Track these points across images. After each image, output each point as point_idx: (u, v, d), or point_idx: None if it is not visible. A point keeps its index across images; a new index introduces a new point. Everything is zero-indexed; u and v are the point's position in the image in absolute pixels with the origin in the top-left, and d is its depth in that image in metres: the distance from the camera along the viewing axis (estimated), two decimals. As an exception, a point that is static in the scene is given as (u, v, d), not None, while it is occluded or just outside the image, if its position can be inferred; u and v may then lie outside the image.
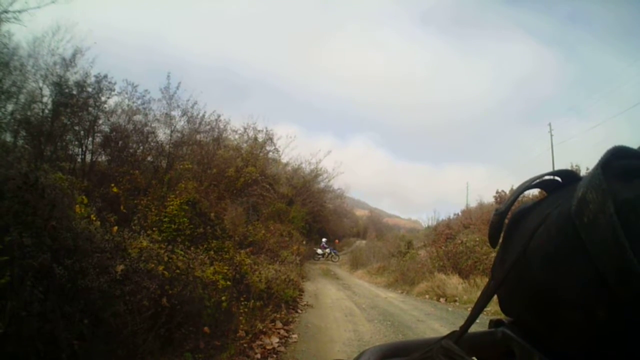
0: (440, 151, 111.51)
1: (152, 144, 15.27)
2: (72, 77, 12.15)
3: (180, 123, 17.01)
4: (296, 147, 32.45)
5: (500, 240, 0.57)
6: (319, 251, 30.48)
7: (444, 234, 29.25)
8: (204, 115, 18.30)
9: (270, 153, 28.10)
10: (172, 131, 16.83)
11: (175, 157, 16.39)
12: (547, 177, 0.54)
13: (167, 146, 16.28)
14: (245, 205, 19.08)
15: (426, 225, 43.12)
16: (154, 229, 11.81)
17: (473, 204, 35.80)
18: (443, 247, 15.90)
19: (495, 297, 0.53)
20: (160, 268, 5.58)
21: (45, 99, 11.84)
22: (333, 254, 30.77)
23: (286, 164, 31.56)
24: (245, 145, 25.49)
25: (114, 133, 13.35)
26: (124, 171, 13.19)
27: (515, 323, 0.58)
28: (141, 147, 14.85)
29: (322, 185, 37.14)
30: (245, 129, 25.92)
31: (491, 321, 0.61)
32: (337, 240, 42.27)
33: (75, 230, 4.87)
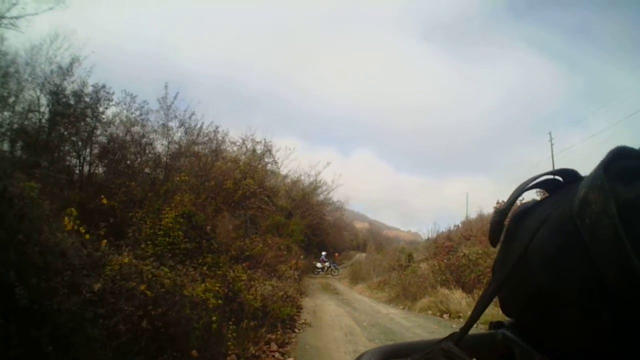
0: (442, 163, 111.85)
1: (149, 155, 15.04)
2: (70, 86, 11.93)
3: (178, 134, 16.87)
4: (295, 158, 31.98)
5: (501, 241, 0.56)
6: (319, 265, 29.89)
7: (444, 246, 30.17)
8: (201, 127, 18.11)
9: (269, 165, 27.39)
10: (169, 142, 16.62)
11: (172, 168, 16.00)
12: (548, 177, 0.53)
13: (165, 158, 16.00)
14: (243, 218, 18.47)
15: (426, 238, 42.50)
16: (148, 242, 11.43)
17: (473, 215, 35.48)
18: (445, 260, 15.28)
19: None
20: (142, 287, 5.04)
21: (42, 109, 11.61)
22: (333, 267, 30.12)
23: (285, 176, 31.06)
24: (243, 157, 24.99)
25: (112, 144, 13.14)
26: (120, 183, 12.88)
27: (515, 324, 0.57)
28: (139, 159, 14.64)
29: (321, 197, 36.69)
30: (243, 140, 25.50)
31: (491, 323, 0.60)
32: (336, 254, 41.64)
33: (45, 244, 4.35)
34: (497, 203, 21.37)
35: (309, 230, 32.43)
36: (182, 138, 17.06)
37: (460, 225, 34.94)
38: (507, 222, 0.56)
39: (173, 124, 16.27)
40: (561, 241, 0.45)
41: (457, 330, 0.50)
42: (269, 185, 27.40)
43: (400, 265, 21.67)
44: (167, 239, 12.00)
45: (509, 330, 0.57)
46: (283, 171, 30.02)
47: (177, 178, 15.11)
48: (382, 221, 77.22)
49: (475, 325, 0.50)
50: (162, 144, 16.12)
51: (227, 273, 10.46)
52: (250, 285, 10.92)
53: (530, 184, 0.53)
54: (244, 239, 15.55)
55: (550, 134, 30.19)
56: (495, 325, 0.60)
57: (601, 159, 0.42)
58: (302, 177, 32.60)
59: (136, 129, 14.30)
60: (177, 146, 17.11)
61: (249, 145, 25.95)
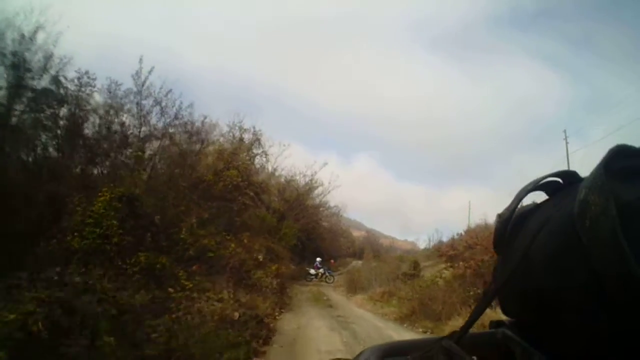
0: (442, 173, 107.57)
1: (115, 136, 12.53)
2: (35, 57, 10.42)
3: (153, 115, 13.92)
4: (290, 155, 27.92)
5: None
6: (312, 271, 26.18)
7: (448, 255, 27.50)
8: (180, 107, 14.65)
9: (258, 157, 23.00)
10: (141, 122, 13.59)
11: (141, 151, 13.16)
12: (548, 179, 0.52)
13: (133, 138, 13.19)
14: (215, 212, 13.99)
15: (424, 247, 39.07)
16: (75, 234, 8.69)
17: (476, 224, 31.63)
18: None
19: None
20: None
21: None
22: (328, 274, 26.35)
23: (276, 173, 27.33)
24: (228, 145, 21.05)
25: (75, 125, 11.46)
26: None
27: (515, 324, 0.56)
28: (106, 143, 12.27)
29: (317, 200, 33.02)
30: (230, 128, 21.79)
31: (492, 322, 0.60)
32: (332, 261, 37.58)
33: None
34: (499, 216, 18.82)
35: (303, 235, 28.97)
36: (159, 119, 14.12)
37: (463, 233, 31.43)
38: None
39: (147, 102, 13.42)
40: (561, 243, 0.44)
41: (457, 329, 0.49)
42: (257, 180, 22.68)
43: (405, 274, 18.41)
44: (98, 230, 8.90)
45: (509, 330, 0.55)
46: (277, 171, 26.80)
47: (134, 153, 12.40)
48: (379, 230, 72.71)
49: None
50: (134, 125, 13.46)
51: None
52: (187, 300, 6.47)
53: (532, 187, 0.52)
54: (215, 237, 11.48)
55: (565, 131, 26.65)
56: (495, 324, 0.58)
57: (601, 158, 0.41)
58: (297, 177, 28.71)
59: (112, 113, 12.52)
60: (150, 128, 14.14)
61: (236, 134, 22.07)
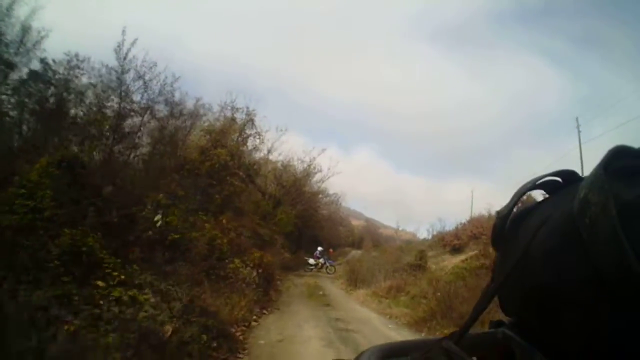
0: (443, 165, 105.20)
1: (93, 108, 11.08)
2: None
3: (135, 89, 12.07)
4: (287, 141, 25.78)
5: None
6: (311, 261, 24.05)
7: (452, 245, 25.95)
8: (164, 82, 12.59)
9: (251, 139, 20.33)
10: (121, 97, 11.63)
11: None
12: (548, 178, 0.52)
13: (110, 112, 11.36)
14: (192, 189, 11.63)
15: (423, 237, 37.04)
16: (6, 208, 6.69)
17: (479, 214, 29.75)
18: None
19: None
20: None
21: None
22: (328, 264, 24.09)
23: (272, 157, 24.83)
24: (218, 124, 18.77)
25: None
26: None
27: (515, 323, 0.54)
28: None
29: (315, 187, 30.28)
30: (222, 108, 19.23)
31: (492, 322, 0.58)
32: (331, 250, 34.85)
33: None
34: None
35: (300, 222, 26.55)
36: (142, 95, 12.25)
37: (466, 223, 29.63)
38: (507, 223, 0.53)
39: (129, 76, 11.66)
40: (561, 241, 0.43)
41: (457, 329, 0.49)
42: (248, 162, 20.18)
43: (411, 265, 16.25)
44: (30, 203, 6.96)
45: (509, 329, 0.53)
46: (273, 155, 24.48)
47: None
48: (379, 219, 70.42)
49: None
50: (114, 101, 11.65)
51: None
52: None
53: (531, 186, 0.51)
54: (187, 217, 9.25)
55: (577, 119, 24.05)
56: (495, 324, 0.56)
57: (601, 158, 0.41)
58: (295, 163, 26.44)
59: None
60: (130, 104, 12.26)
61: (228, 114, 19.48)
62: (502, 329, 0.54)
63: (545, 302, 0.45)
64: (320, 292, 13.49)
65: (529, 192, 0.52)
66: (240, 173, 17.37)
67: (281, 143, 24.10)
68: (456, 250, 29.45)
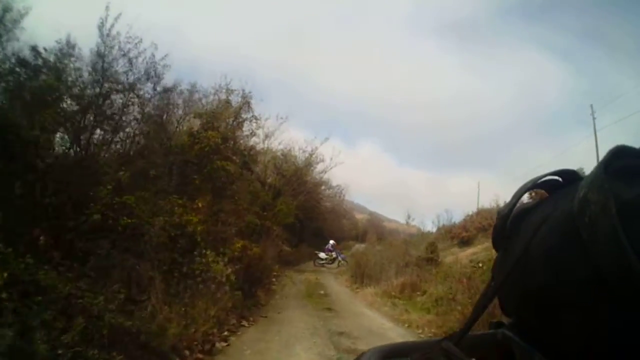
0: (446, 159, 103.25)
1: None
2: None
3: (118, 68, 10.35)
4: (287, 129, 23.79)
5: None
6: (322, 255, 22.44)
7: (460, 237, 25.65)
8: (152, 59, 10.76)
9: (247, 123, 17.85)
10: (102, 76, 9.93)
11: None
12: (548, 178, 0.51)
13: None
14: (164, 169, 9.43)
15: (427, 230, 35.43)
16: None
17: (484, 207, 29.55)
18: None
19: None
20: None
21: None
22: (341, 259, 22.33)
23: (271, 144, 22.55)
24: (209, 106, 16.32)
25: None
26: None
27: (515, 324, 0.53)
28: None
29: (318, 177, 27.87)
30: (215, 91, 16.83)
31: (491, 322, 0.57)
32: (335, 243, 33.82)
33: None
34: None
35: (302, 214, 24.82)
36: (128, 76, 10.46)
37: (474, 214, 29.06)
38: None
39: (113, 54, 10.04)
40: (561, 241, 0.42)
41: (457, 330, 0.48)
42: (244, 147, 18.01)
43: (422, 259, 14.68)
44: None
45: (509, 330, 0.53)
46: (273, 144, 22.44)
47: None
48: (382, 213, 68.95)
49: None
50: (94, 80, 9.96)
51: None
52: None
53: (531, 185, 0.50)
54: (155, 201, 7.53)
55: (591, 106, 22.62)
56: (495, 325, 0.56)
57: (601, 158, 0.41)
58: (297, 152, 24.49)
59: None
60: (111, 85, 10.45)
61: (222, 96, 17.00)
62: (502, 330, 0.53)
63: (545, 302, 0.44)
64: (322, 292, 11.37)
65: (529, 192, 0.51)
66: (235, 158, 15.50)
67: (281, 132, 22.03)
68: (464, 243, 27.81)
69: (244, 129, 17.80)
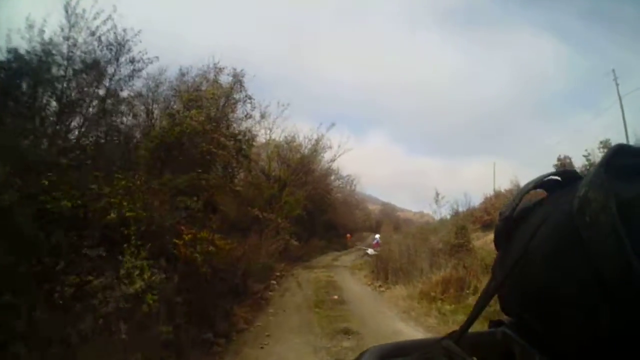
0: (456, 145, 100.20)
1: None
2: None
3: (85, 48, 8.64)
4: (289, 117, 21.58)
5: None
6: (370, 251, 19.20)
7: (482, 220, 23.00)
8: (124, 38, 9.16)
9: (241, 104, 14.95)
10: (68, 59, 8.34)
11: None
12: (548, 178, 0.50)
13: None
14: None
15: (440, 217, 32.93)
16: None
17: (505, 189, 26.11)
18: None
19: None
20: None
21: None
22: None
23: (269, 126, 19.89)
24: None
25: None
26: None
27: (515, 323, 0.52)
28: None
29: (326, 166, 25.69)
30: (203, 72, 14.26)
31: (491, 321, 0.56)
32: (349, 235, 32.19)
33: None
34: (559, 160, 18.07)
35: (311, 205, 22.34)
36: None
37: (492, 197, 25.74)
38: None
39: (81, 36, 8.36)
40: (561, 240, 0.41)
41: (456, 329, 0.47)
42: (238, 131, 15.11)
43: (451, 245, 11.23)
44: None
45: (509, 329, 0.52)
46: (275, 133, 20.21)
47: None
48: (395, 203, 66.34)
49: None
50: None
51: None
52: None
53: (532, 186, 0.50)
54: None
55: (613, 71, 19.97)
56: (495, 323, 0.55)
57: (601, 157, 0.40)
58: (302, 140, 21.99)
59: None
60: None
61: (211, 76, 14.32)
62: (502, 329, 0.52)
63: (545, 301, 0.43)
64: (335, 296, 8.27)
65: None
66: (226, 142, 12.67)
67: (284, 119, 19.90)
68: (487, 226, 24.85)
69: (237, 111, 15.28)
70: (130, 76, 9.76)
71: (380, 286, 10.50)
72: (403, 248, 11.54)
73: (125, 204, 4.45)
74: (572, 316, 0.40)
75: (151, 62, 10.13)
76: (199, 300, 4.49)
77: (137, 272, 3.68)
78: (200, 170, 8.79)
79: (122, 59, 9.32)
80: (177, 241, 4.71)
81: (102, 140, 7.61)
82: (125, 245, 3.93)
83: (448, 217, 29.39)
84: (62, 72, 8.19)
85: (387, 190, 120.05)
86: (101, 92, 9.07)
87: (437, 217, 34.01)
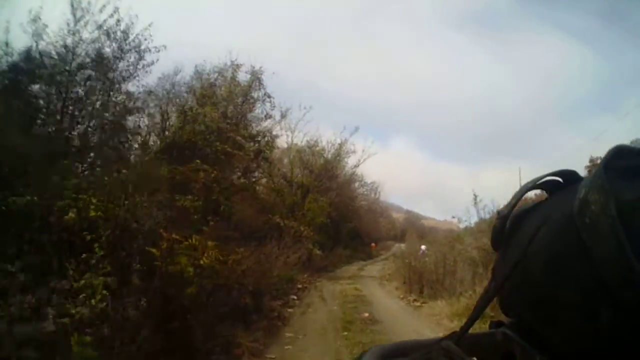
0: (479, 152, 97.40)
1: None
2: None
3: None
4: (312, 119, 20.67)
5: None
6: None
7: None
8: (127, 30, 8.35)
9: (259, 104, 13.92)
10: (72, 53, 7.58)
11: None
12: (548, 178, 0.49)
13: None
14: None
15: (464, 225, 31.13)
16: None
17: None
18: None
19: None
20: None
21: None
22: None
23: (292, 138, 19.02)
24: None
25: None
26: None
27: (515, 324, 0.52)
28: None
29: (350, 172, 24.05)
30: (219, 71, 13.25)
31: (492, 322, 0.55)
32: (373, 244, 30.96)
33: None
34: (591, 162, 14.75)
35: (336, 212, 21.10)
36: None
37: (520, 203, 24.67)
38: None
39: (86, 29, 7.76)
40: (561, 242, 0.41)
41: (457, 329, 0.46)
42: (257, 131, 13.65)
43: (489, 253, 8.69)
44: None
45: (509, 330, 0.51)
46: (297, 137, 19.02)
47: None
48: (418, 211, 64.64)
49: None
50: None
51: None
52: None
53: (531, 186, 0.49)
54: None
55: None
56: (495, 324, 0.54)
57: (601, 158, 0.40)
58: (325, 144, 20.55)
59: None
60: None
61: (228, 75, 13.31)
62: (502, 330, 0.52)
63: (545, 303, 0.43)
64: (366, 313, 6.92)
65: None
66: (244, 142, 11.72)
67: (306, 122, 18.65)
68: None
69: (256, 110, 14.25)
70: (136, 65, 8.99)
71: (415, 300, 9.07)
72: (439, 257, 10.15)
73: (94, 201, 3.35)
74: (572, 318, 0.39)
75: (158, 51, 9.31)
76: (185, 330, 3.29)
77: (84, 295, 2.56)
78: (198, 161, 7.56)
79: (127, 47, 8.64)
80: (152, 250, 3.54)
81: (97, 135, 6.53)
82: (85, 254, 2.82)
83: (472, 224, 27.90)
84: (66, 67, 7.59)
85: (410, 198, 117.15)
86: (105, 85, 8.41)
87: (472, 222, 32.48)
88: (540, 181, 0.49)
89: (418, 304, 8.68)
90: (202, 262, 3.90)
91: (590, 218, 0.36)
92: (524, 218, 0.48)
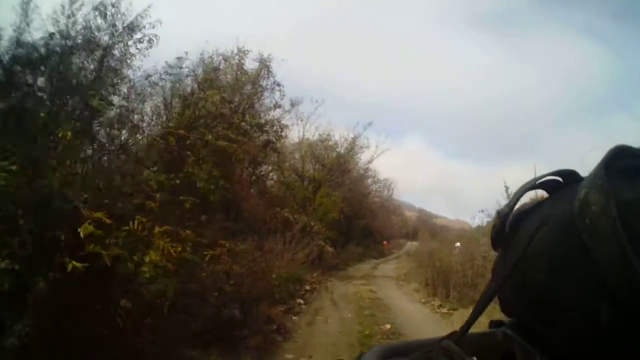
0: (492, 151, 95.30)
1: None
2: None
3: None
4: (325, 113, 20.14)
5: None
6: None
7: None
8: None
9: (268, 92, 13.02)
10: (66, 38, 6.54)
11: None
12: (548, 178, 0.49)
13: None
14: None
15: (477, 224, 30.51)
16: None
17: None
18: None
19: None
20: None
21: None
22: None
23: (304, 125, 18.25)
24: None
25: None
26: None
27: (515, 323, 0.52)
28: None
29: (363, 167, 23.38)
30: (225, 58, 12.37)
31: (492, 322, 0.55)
32: (385, 242, 29.85)
33: None
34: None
35: (349, 209, 20.11)
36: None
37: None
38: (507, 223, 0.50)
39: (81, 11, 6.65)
40: (561, 242, 0.41)
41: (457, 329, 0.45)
42: (265, 120, 12.53)
43: None
44: None
45: (510, 330, 0.51)
46: (309, 131, 18.34)
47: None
48: (430, 210, 63.31)
49: None
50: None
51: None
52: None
53: (531, 186, 0.48)
54: None
55: None
56: (495, 324, 0.54)
57: (601, 158, 0.39)
58: (337, 138, 19.82)
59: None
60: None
61: (234, 62, 12.49)
62: (502, 329, 0.52)
63: (545, 303, 0.43)
64: (388, 325, 5.73)
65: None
66: (250, 131, 10.64)
67: (317, 116, 18.02)
68: None
69: (265, 99, 13.13)
70: (126, 43, 7.88)
71: (440, 306, 7.82)
72: (466, 257, 8.86)
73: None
74: (573, 318, 0.39)
75: (153, 27, 8.22)
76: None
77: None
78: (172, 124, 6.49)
79: (118, 24, 7.58)
80: (63, 237, 2.35)
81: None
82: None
83: (483, 224, 26.89)
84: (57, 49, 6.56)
85: (422, 197, 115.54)
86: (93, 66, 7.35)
87: (481, 223, 31.49)
88: (540, 181, 0.48)
89: (445, 310, 7.42)
90: (146, 258, 2.72)
91: (591, 219, 0.36)
92: (524, 218, 0.48)
